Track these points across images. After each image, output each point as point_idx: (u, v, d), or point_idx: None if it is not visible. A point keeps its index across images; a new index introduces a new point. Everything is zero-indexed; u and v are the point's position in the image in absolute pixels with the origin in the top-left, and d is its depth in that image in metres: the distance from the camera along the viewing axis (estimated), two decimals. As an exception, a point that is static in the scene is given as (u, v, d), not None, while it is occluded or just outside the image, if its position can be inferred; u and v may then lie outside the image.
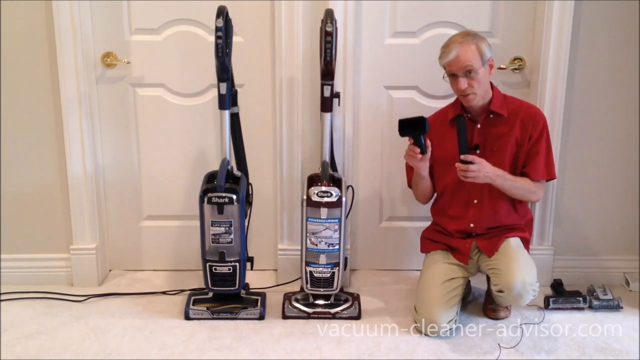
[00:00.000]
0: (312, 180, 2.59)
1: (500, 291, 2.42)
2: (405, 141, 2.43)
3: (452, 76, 2.41)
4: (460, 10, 2.73)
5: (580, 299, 2.70)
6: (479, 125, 2.50)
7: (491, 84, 2.50)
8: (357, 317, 2.62)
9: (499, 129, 2.49)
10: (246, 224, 2.62)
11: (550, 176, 2.53)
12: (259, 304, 2.64)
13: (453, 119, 2.52)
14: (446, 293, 2.49)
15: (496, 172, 2.41)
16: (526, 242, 2.58)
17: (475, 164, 2.35)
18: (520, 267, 2.41)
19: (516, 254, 2.47)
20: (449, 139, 2.50)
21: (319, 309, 2.64)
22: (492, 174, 2.40)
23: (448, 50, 2.39)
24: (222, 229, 2.51)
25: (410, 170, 2.62)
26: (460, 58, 2.36)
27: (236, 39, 2.66)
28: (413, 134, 2.39)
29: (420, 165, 2.45)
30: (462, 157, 2.36)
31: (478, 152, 2.48)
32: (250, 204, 2.71)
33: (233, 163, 2.66)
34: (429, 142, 2.40)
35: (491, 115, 2.49)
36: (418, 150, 2.39)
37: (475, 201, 2.54)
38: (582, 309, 2.70)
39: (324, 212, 2.53)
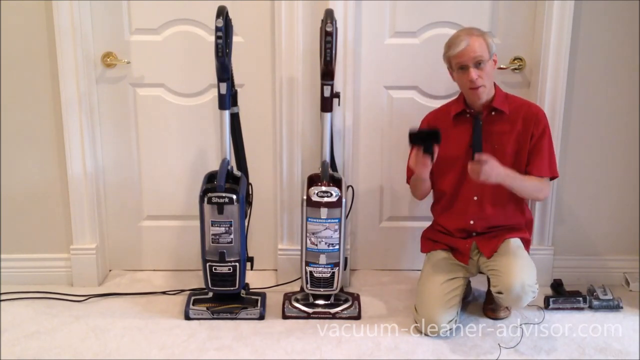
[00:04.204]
0: (312, 180, 2.59)
1: (500, 292, 2.41)
2: (406, 142, 2.41)
3: (461, 69, 2.41)
4: (460, 10, 2.73)
5: (580, 299, 2.70)
6: (480, 122, 2.50)
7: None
8: (357, 317, 2.62)
9: (501, 126, 2.49)
10: (246, 224, 2.62)
11: (552, 174, 2.53)
12: (259, 304, 2.64)
13: (457, 115, 2.52)
14: (446, 293, 2.50)
15: (506, 172, 2.41)
16: (526, 243, 2.58)
17: (488, 163, 2.34)
18: (520, 268, 2.41)
19: (515, 255, 2.47)
20: (451, 136, 2.50)
21: (319, 309, 2.64)
22: (503, 174, 2.39)
23: (458, 42, 2.39)
24: (222, 229, 2.51)
25: (411, 169, 2.62)
26: (470, 48, 2.36)
27: (236, 39, 2.66)
28: (426, 143, 2.35)
29: (425, 171, 2.44)
30: (476, 156, 2.35)
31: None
32: (250, 204, 2.71)
33: (233, 163, 2.66)
34: (436, 150, 2.38)
35: (493, 113, 2.49)
36: (429, 160, 2.37)
37: (475, 198, 2.53)
38: (582, 309, 2.70)
39: (324, 212, 2.53)
